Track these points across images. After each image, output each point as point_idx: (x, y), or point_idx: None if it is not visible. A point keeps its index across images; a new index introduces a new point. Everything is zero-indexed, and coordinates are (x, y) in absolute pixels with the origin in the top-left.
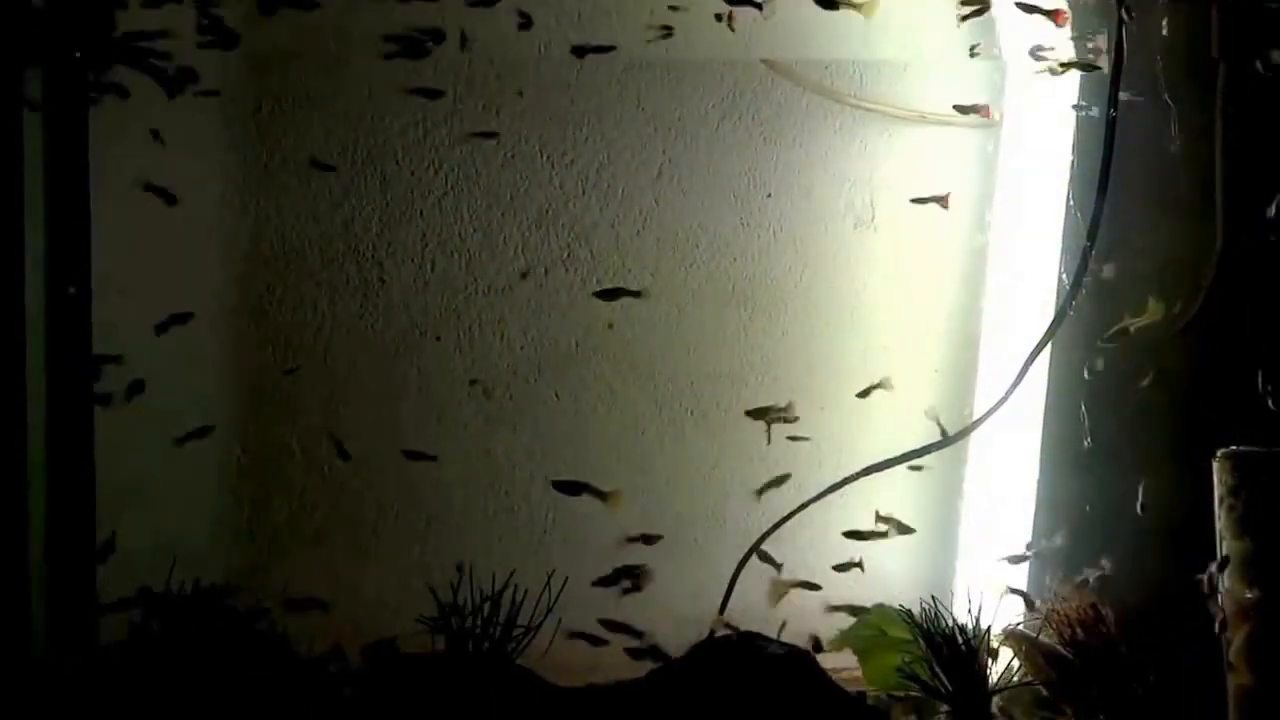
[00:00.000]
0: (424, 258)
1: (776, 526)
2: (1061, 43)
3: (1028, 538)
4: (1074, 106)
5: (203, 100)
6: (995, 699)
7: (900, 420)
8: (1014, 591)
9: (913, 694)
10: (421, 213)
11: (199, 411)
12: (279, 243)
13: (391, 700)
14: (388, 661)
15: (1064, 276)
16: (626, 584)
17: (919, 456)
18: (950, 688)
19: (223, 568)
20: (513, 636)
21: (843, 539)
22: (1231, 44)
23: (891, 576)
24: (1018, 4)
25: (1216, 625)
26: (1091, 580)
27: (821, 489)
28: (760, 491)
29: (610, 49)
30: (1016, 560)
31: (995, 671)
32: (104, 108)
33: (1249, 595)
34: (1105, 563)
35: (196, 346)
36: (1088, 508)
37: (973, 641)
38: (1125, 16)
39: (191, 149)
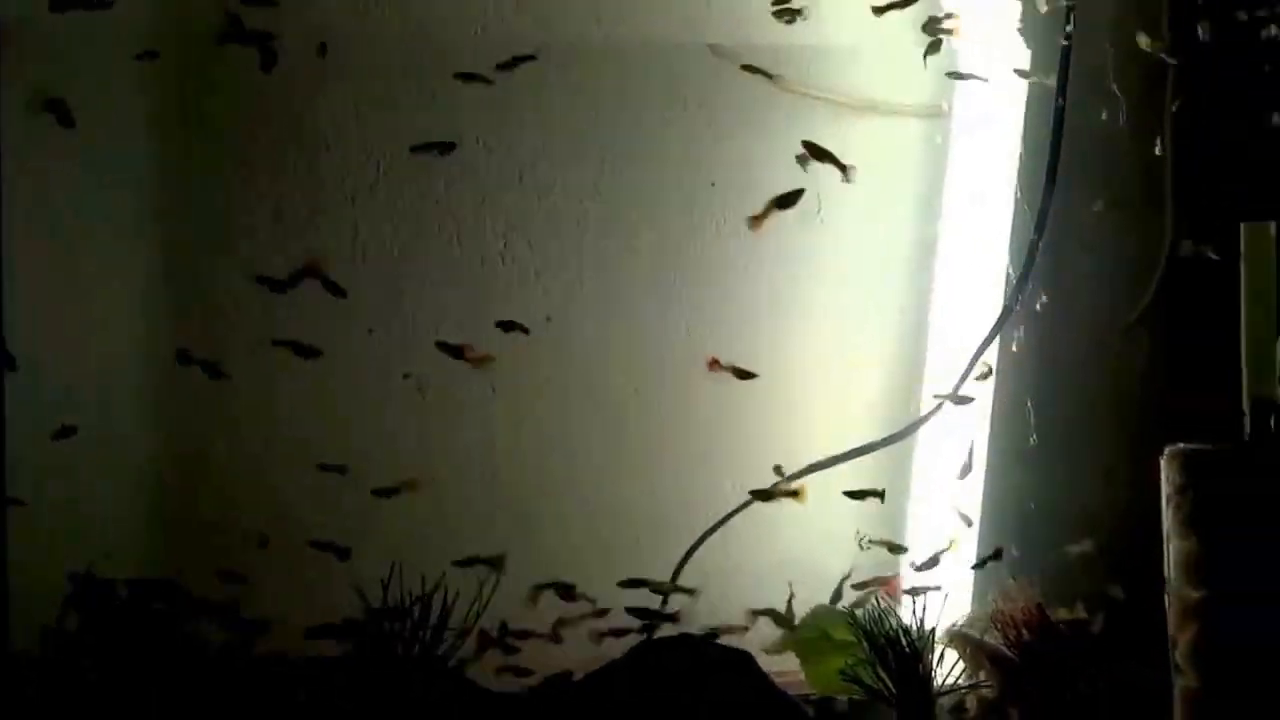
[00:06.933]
0: (354, 248)
1: (718, 526)
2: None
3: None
4: None
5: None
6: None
7: (846, 415)
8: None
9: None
10: (353, 200)
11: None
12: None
13: (316, 705)
14: (306, 665)
15: (1011, 270)
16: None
17: (864, 454)
18: (894, 690)
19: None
20: (443, 639)
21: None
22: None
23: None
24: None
25: None
26: (1036, 580)
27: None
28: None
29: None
30: (979, 564)
31: (940, 673)
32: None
33: (1195, 595)
34: (1049, 562)
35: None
36: (1032, 505)
37: (917, 643)
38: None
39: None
